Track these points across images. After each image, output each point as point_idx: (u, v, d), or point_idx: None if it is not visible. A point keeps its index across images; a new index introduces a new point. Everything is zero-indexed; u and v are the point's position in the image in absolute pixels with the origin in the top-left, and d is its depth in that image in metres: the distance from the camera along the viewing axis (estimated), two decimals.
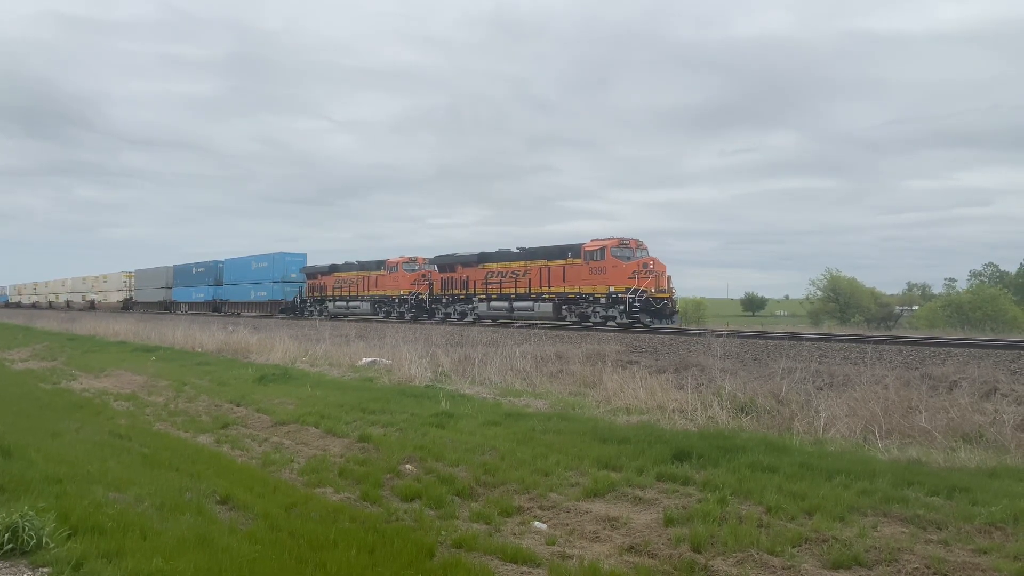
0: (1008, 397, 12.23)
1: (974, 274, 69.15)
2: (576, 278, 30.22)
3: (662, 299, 28.10)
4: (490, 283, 34.46)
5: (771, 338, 21.06)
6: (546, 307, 31.30)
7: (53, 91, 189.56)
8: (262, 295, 52.22)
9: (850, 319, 55.17)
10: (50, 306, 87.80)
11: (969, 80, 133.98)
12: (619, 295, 27.98)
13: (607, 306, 28.64)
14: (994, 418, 10.49)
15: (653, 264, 28.60)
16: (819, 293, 63.67)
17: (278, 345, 24.11)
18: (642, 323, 27.52)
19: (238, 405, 14.50)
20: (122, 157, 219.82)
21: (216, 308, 57.53)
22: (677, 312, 29.45)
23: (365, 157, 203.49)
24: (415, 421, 11.81)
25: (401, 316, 39.39)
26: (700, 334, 22.11)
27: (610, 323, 28.42)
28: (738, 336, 21.34)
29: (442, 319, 36.43)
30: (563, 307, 30.85)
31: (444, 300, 37.44)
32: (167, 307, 64.38)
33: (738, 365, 17.03)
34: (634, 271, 28.08)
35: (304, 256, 52.59)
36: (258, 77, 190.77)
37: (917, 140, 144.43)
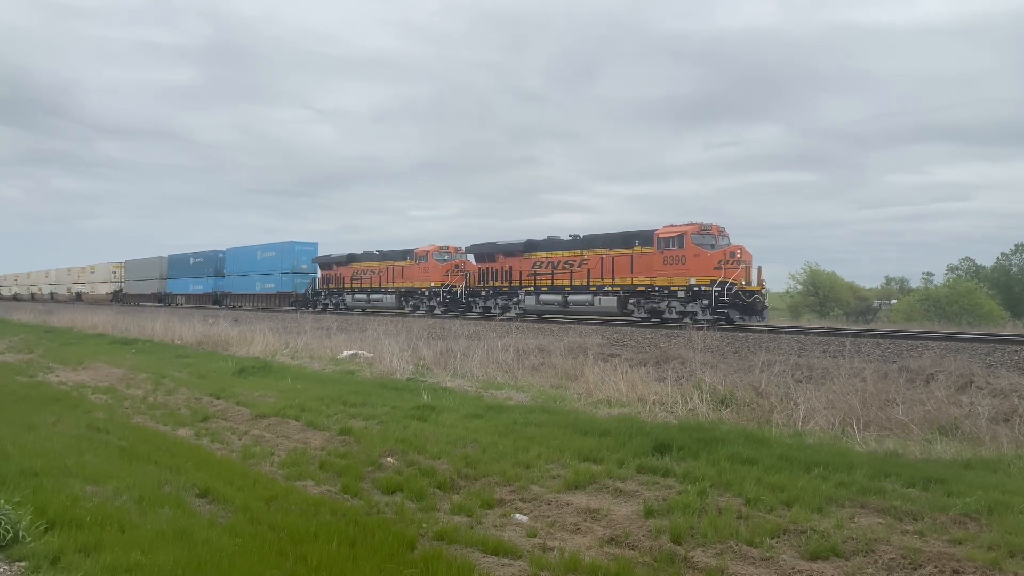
0: (983, 390, 12.39)
1: (951, 268, 69.89)
2: (646, 269, 26.50)
3: (752, 293, 24.50)
4: (539, 274, 31.07)
5: (751, 331, 21.21)
6: (609, 301, 27.71)
7: (26, 78, 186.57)
8: (269, 287, 48.60)
9: (829, 312, 55.61)
10: (32, 298, 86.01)
11: (956, 74, 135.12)
12: (702, 288, 24.45)
13: (686, 300, 25.02)
14: (969, 410, 10.63)
15: (740, 253, 24.94)
16: (799, 287, 64.11)
17: (258, 338, 23.96)
18: (729, 320, 24.15)
19: (218, 398, 14.41)
20: (98, 147, 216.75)
21: (217, 301, 53.91)
22: (767, 308, 25.75)
23: (347, 148, 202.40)
24: (396, 414, 11.79)
25: (431, 310, 36.16)
26: (681, 327, 22.25)
27: (687, 320, 24.91)
28: (718, 329, 21.49)
29: (480, 314, 33.17)
30: (630, 301, 27.13)
31: (483, 293, 33.95)
32: (161, 299, 61.56)
33: (718, 358, 17.15)
34: (720, 261, 24.42)
35: (315, 246, 48.75)
36: (237, 65, 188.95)
37: (901, 134, 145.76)
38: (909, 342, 17.61)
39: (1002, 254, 66.74)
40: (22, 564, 5.28)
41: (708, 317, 24.20)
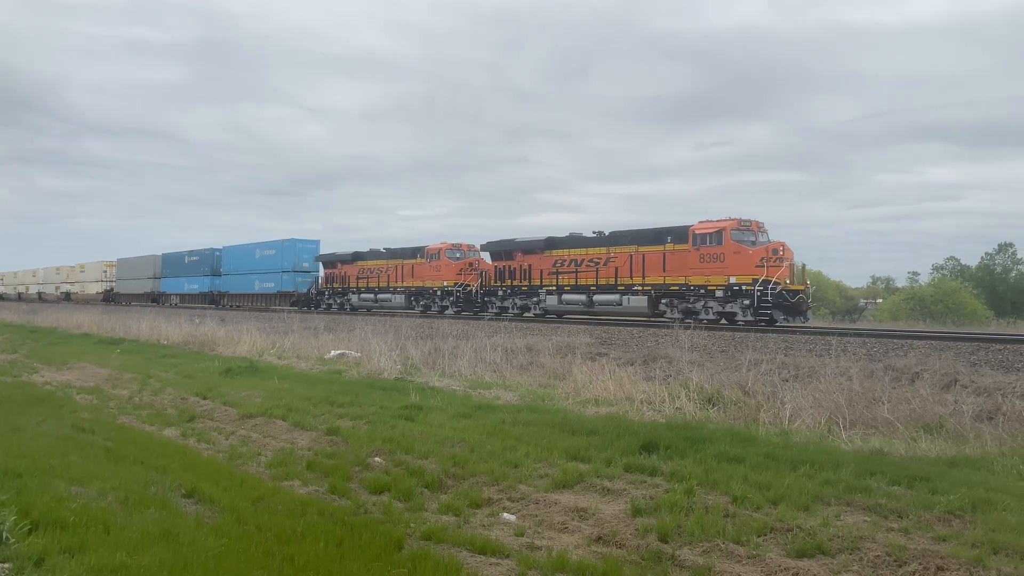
0: (968, 388, 12.50)
1: (936, 268, 70.40)
2: (680, 267, 25.28)
3: (796, 292, 23.42)
4: (561, 272, 29.86)
5: (738, 330, 21.29)
6: (639, 301, 26.47)
7: (12, 75, 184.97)
8: (269, 286, 47.11)
9: (815, 312, 55.95)
10: (19, 298, 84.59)
11: (945, 74, 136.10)
12: (743, 287, 23.39)
13: (725, 300, 23.93)
14: (954, 409, 10.71)
15: (783, 250, 23.78)
16: None
17: (245, 337, 23.86)
18: (772, 321, 23.08)
19: (204, 398, 14.33)
20: (86, 145, 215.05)
21: (213, 300, 52.71)
22: (811, 307, 24.81)
23: (337, 147, 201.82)
24: (384, 414, 11.76)
25: (443, 310, 34.96)
26: (668, 326, 22.30)
27: (723, 320, 24.06)
28: (705, 328, 21.55)
29: (497, 314, 31.33)
30: (662, 301, 25.86)
31: (500, 292, 32.72)
32: (155, 299, 60.09)
33: (705, 357, 17.21)
34: (762, 258, 23.23)
35: (317, 243, 47.70)
36: (226, 63, 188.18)
37: (890, 134, 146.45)
38: (895, 341, 17.74)
39: (986, 254, 67.36)
40: (6, 566, 5.23)
41: (749, 318, 23.41)
